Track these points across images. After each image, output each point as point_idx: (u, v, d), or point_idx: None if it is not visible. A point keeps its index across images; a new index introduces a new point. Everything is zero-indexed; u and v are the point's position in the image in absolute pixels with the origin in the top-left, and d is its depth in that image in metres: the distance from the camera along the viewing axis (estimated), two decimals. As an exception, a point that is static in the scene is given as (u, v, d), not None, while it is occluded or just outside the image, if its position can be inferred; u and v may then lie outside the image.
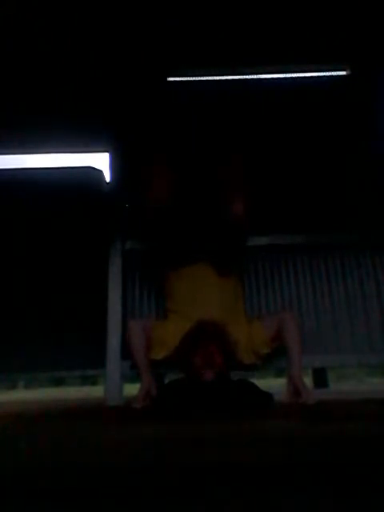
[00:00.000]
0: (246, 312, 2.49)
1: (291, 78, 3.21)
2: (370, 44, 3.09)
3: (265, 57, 3.13)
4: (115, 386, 2.42)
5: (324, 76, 3.22)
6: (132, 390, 4.08)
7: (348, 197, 2.88)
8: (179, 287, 2.31)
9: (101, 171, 2.93)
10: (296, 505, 0.46)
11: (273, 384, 3.60)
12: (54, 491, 0.56)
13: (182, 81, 3.20)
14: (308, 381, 3.11)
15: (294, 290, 2.66)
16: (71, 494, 0.54)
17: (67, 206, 2.83)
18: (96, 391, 5.24)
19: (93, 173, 2.91)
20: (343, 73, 3.21)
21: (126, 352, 2.26)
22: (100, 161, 3.16)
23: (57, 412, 2.19)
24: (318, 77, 3.21)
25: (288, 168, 2.93)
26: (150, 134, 3.05)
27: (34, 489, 0.57)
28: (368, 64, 3.17)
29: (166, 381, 1.97)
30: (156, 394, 1.87)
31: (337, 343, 2.55)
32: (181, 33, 2.96)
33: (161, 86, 3.17)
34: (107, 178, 2.94)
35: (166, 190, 2.24)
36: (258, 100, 3.12)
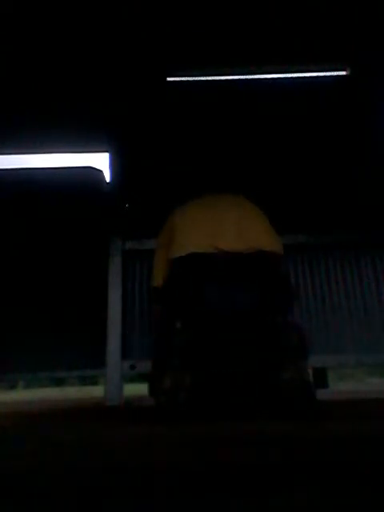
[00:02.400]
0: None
1: (291, 77, 3.21)
2: (369, 44, 3.09)
3: (265, 57, 3.13)
4: (115, 386, 2.42)
5: (324, 76, 3.22)
6: (132, 390, 4.09)
7: (348, 196, 2.88)
8: None
9: (101, 171, 2.93)
10: (296, 505, 0.46)
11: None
12: (54, 491, 0.56)
13: (181, 81, 3.20)
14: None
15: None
16: (71, 494, 0.54)
17: (67, 206, 2.83)
18: (96, 391, 5.24)
19: (93, 173, 2.91)
20: (343, 73, 3.22)
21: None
22: (100, 161, 3.17)
23: (57, 412, 2.19)
24: (317, 77, 3.22)
25: (287, 168, 2.93)
26: (150, 135, 3.05)
27: (34, 489, 0.57)
28: (368, 64, 3.18)
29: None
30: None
31: (337, 343, 2.55)
32: (180, 33, 2.96)
33: (161, 86, 3.17)
34: (107, 178, 2.94)
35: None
36: (257, 100, 3.12)
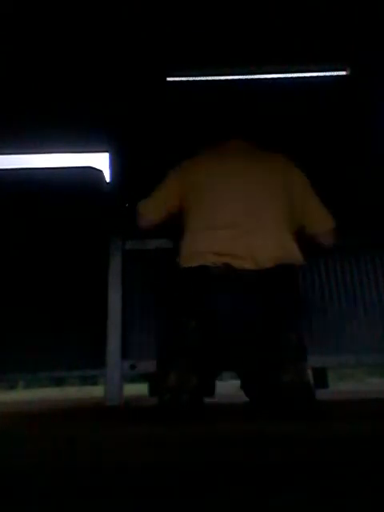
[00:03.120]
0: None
1: (291, 77, 3.21)
2: (369, 44, 3.09)
3: (265, 57, 3.13)
4: (115, 386, 2.42)
5: (324, 76, 3.22)
6: (132, 389, 4.09)
7: (348, 196, 2.87)
8: None
9: (101, 171, 2.93)
10: (296, 505, 0.46)
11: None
12: (54, 491, 0.56)
13: (181, 81, 3.20)
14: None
15: (293, 289, 2.66)
16: (71, 494, 0.54)
17: (67, 206, 2.83)
18: (96, 391, 5.24)
19: (93, 173, 2.91)
20: (343, 73, 3.21)
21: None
22: (100, 161, 3.17)
23: (57, 412, 2.19)
24: (318, 77, 3.22)
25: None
26: (150, 134, 3.05)
27: (34, 489, 0.57)
28: (368, 64, 3.17)
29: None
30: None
31: (337, 343, 2.55)
32: (180, 33, 2.96)
33: (161, 86, 3.17)
34: (107, 178, 2.94)
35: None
36: (257, 100, 3.12)
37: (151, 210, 1.85)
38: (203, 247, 1.60)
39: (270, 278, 1.56)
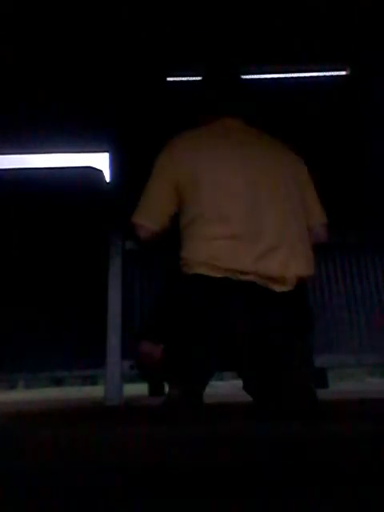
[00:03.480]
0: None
1: (291, 77, 3.21)
2: (369, 44, 3.09)
3: (265, 57, 3.13)
4: (115, 386, 2.42)
5: (324, 76, 3.22)
6: (132, 389, 4.09)
7: (347, 196, 2.87)
8: None
9: (101, 171, 2.93)
10: (296, 505, 0.46)
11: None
12: (54, 491, 0.56)
13: (181, 81, 3.20)
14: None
15: (293, 289, 2.66)
16: (71, 494, 0.54)
17: (67, 206, 2.83)
18: (96, 391, 5.24)
19: (93, 173, 2.91)
20: (343, 73, 3.21)
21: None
22: (100, 161, 3.17)
23: (57, 412, 2.19)
24: (318, 77, 3.22)
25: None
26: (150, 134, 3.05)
27: (35, 489, 0.57)
28: (368, 64, 3.18)
29: None
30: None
31: (337, 343, 2.55)
32: (180, 33, 2.96)
33: (161, 86, 3.17)
34: (107, 178, 2.94)
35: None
36: (257, 100, 3.12)
37: (151, 217, 1.55)
38: (222, 261, 1.39)
39: (291, 298, 1.45)
